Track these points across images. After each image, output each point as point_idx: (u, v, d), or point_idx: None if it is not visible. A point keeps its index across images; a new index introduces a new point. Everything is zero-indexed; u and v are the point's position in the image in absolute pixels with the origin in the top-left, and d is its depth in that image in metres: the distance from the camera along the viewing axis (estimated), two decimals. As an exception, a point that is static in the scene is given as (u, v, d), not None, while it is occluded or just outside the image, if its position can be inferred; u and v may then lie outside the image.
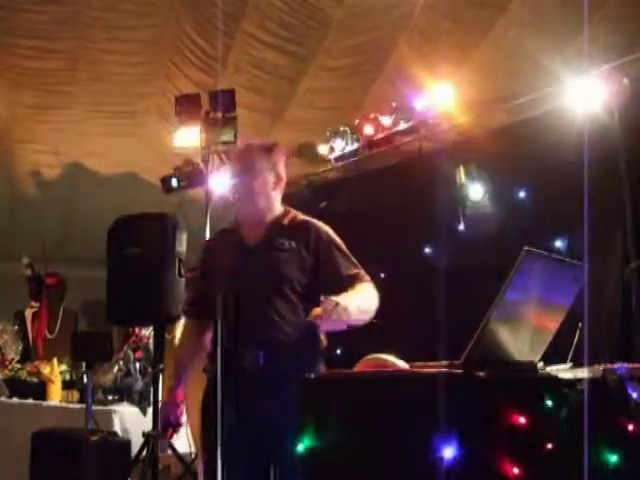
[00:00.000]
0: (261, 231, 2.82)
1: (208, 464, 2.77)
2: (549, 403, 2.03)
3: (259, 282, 2.72)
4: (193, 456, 4.82)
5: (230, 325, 2.60)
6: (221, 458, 2.55)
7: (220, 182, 5.52)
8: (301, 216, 2.92)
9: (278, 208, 2.90)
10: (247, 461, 2.64)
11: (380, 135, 5.59)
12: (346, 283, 2.74)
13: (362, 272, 2.84)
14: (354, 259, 2.87)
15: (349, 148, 5.79)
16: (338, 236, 2.94)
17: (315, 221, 2.92)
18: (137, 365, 5.17)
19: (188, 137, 5.46)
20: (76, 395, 5.43)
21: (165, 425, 3.06)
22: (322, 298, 2.52)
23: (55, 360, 5.55)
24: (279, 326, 2.71)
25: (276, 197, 2.88)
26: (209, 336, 2.85)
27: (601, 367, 2.27)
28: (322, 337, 2.84)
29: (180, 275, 4.38)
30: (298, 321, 2.74)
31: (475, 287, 4.56)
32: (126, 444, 4.40)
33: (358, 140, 5.72)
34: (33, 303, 6.54)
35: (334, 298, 2.52)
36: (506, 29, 5.71)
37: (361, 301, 2.69)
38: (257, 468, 2.66)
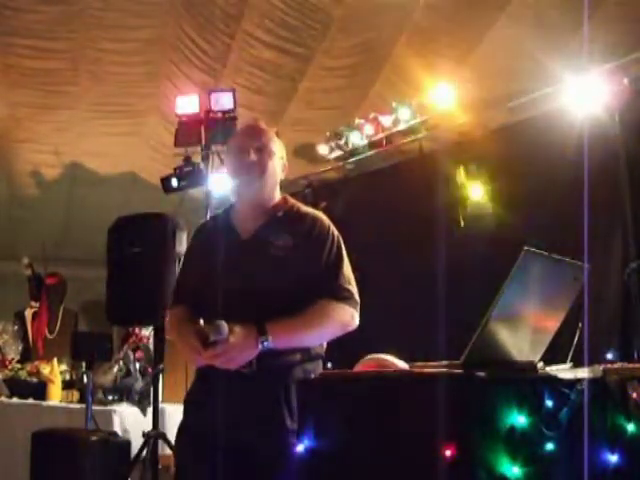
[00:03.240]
0: (257, 222, 2.53)
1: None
2: (549, 403, 2.03)
3: (251, 284, 2.45)
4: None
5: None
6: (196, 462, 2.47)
7: (220, 182, 5.52)
8: (303, 208, 2.63)
9: (277, 196, 2.63)
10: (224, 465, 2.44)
11: (380, 135, 5.59)
12: (318, 290, 2.46)
13: (344, 285, 2.50)
14: (343, 266, 2.54)
15: (349, 148, 5.79)
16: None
17: (316, 213, 2.62)
18: (137, 365, 5.17)
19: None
20: (76, 395, 5.43)
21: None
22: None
23: (55, 360, 5.55)
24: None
25: (278, 186, 2.64)
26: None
27: (601, 367, 2.27)
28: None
29: (180, 275, 4.40)
30: None
31: (475, 287, 4.56)
32: (126, 444, 4.40)
33: (358, 140, 5.72)
34: (33, 303, 6.53)
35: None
36: (506, 29, 5.71)
37: (307, 334, 2.45)
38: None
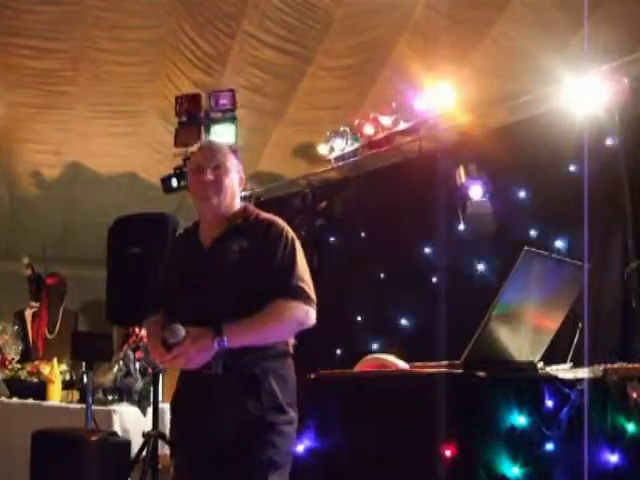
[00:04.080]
0: (217, 231, 2.69)
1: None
2: (549, 403, 2.03)
3: (212, 289, 2.60)
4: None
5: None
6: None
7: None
8: (263, 215, 2.76)
9: (237, 207, 2.77)
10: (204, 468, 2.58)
11: (380, 135, 5.58)
12: (274, 289, 2.57)
13: (297, 284, 2.59)
14: (297, 266, 2.63)
15: (349, 148, 5.78)
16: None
17: (274, 219, 2.73)
18: (137, 365, 5.17)
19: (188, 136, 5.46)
20: (76, 395, 5.44)
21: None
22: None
23: (55, 360, 5.55)
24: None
25: (238, 199, 2.79)
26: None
27: (601, 367, 2.27)
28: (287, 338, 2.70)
29: (180, 275, 4.39)
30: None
31: (475, 287, 4.56)
32: (126, 444, 4.40)
33: (358, 140, 5.71)
34: (33, 303, 6.54)
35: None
36: (506, 29, 5.71)
37: (263, 333, 2.56)
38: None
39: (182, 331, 2.48)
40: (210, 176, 2.69)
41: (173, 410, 2.78)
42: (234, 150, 2.84)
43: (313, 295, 2.63)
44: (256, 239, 2.63)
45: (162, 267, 2.91)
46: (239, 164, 2.81)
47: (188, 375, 2.62)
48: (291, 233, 2.70)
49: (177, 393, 2.76)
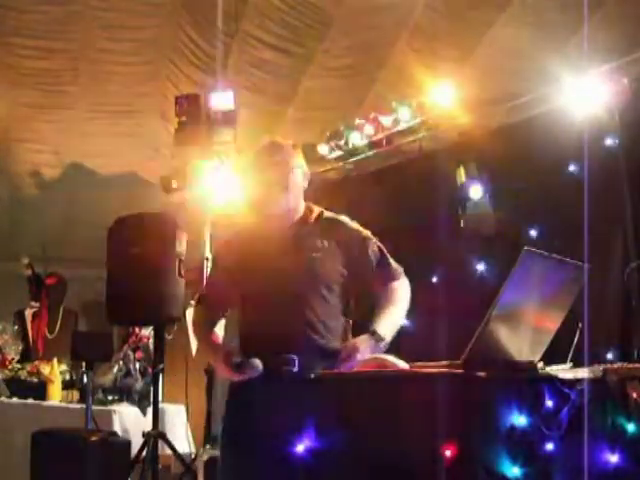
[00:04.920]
0: (291, 231, 2.74)
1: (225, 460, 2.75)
2: (549, 403, 2.03)
3: (294, 283, 2.64)
4: (193, 456, 4.82)
5: (259, 327, 2.63)
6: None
7: (220, 182, 5.52)
8: (327, 212, 2.89)
9: (302, 206, 2.84)
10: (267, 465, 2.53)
11: (380, 135, 5.58)
12: (381, 279, 2.80)
13: (394, 265, 2.86)
14: (385, 252, 2.88)
15: (349, 148, 5.78)
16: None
17: (344, 217, 2.91)
18: (137, 365, 5.18)
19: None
20: (76, 395, 5.43)
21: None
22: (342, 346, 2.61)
23: (55, 360, 5.55)
24: (317, 329, 2.63)
25: (302, 195, 2.84)
26: (216, 332, 2.89)
27: (601, 367, 2.27)
28: None
29: (180, 275, 4.39)
30: (336, 325, 2.70)
31: (475, 287, 4.56)
32: (126, 444, 4.41)
33: (358, 140, 5.71)
34: (33, 303, 6.54)
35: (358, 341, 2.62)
36: (506, 29, 5.71)
37: (397, 313, 2.76)
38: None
39: (260, 367, 2.53)
40: (274, 173, 2.70)
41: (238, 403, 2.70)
42: (296, 147, 2.84)
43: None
44: (332, 237, 2.75)
45: (218, 262, 2.97)
46: (302, 159, 2.84)
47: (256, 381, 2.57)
48: (357, 224, 2.90)
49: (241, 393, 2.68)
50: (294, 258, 2.66)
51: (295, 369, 2.54)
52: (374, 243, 2.84)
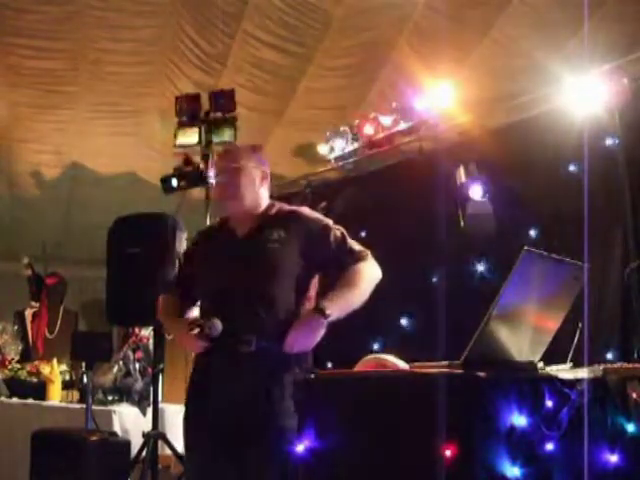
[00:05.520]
0: (250, 224, 2.88)
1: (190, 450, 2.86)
2: (549, 403, 2.03)
3: (252, 272, 2.78)
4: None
5: (220, 312, 2.72)
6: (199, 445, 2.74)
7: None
8: (288, 207, 3.00)
9: (265, 203, 2.97)
10: (225, 446, 2.70)
11: (380, 135, 5.58)
12: (342, 263, 2.84)
13: (358, 249, 2.90)
14: (347, 237, 2.91)
15: (349, 148, 5.78)
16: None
17: (303, 209, 3.00)
18: (137, 365, 5.17)
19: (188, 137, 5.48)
20: (76, 395, 5.44)
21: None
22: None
23: (55, 360, 5.55)
24: (273, 313, 2.75)
25: (263, 193, 2.96)
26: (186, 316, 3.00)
27: (601, 367, 2.27)
28: None
29: (180, 275, 4.39)
30: (292, 310, 2.78)
31: (475, 287, 4.56)
32: (126, 444, 4.40)
33: (358, 140, 5.71)
34: (33, 303, 6.54)
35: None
36: (506, 29, 5.71)
37: (351, 292, 2.78)
38: (234, 453, 2.70)
39: (220, 325, 2.65)
40: (225, 179, 2.88)
41: (199, 386, 2.83)
42: (254, 149, 3.02)
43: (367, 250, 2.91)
44: (290, 228, 2.83)
45: (183, 257, 3.20)
46: (260, 161, 2.97)
47: (215, 354, 2.72)
48: (318, 214, 2.98)
49: (199, 374, 2.85)
50: (251, 249, 2.83)
51: (252, 349, 2.67)
52: (336, 229, 2.90)
